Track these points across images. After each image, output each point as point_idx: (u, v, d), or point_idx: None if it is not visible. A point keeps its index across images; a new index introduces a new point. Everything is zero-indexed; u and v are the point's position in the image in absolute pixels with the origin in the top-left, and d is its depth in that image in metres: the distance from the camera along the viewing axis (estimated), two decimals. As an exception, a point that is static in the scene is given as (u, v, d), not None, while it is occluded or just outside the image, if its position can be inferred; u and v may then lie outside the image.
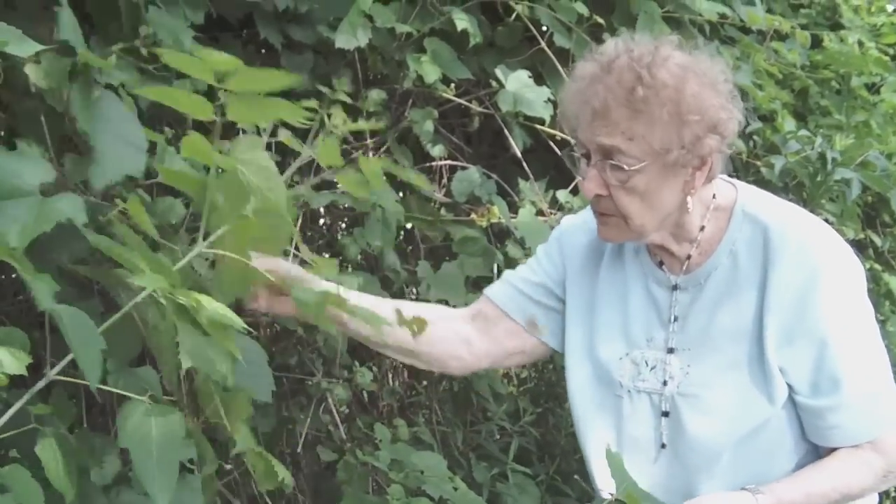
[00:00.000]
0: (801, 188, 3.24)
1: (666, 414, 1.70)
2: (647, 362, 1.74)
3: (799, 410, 1.66)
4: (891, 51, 4.15)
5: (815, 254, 1.62)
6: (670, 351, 1.72)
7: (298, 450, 2.49)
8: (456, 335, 1.84)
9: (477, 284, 2.66)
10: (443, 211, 2.65)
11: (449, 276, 2.48)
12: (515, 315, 1.86)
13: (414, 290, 2.54)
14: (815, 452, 1.70)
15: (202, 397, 1.48)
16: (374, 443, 2.41)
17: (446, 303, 2.51)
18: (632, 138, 1.54)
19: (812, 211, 3.30)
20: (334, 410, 2.50)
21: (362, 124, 1.73)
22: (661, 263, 1.75)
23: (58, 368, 1.27)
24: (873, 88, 3.88)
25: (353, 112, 2.58)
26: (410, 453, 2.32)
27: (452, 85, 2.60)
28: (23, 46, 1.27)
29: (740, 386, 1.64)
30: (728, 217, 1.69)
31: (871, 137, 3.45)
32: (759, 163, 3.16)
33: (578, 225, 1.88)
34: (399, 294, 2.70)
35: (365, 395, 2.82)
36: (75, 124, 1.45)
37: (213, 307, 1.25)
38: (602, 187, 1.59)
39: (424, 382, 2.86)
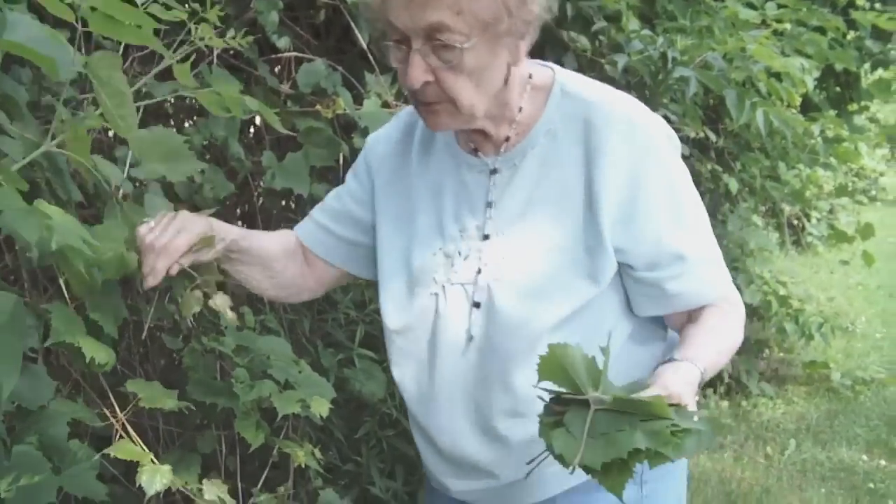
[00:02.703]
0: (643, 86, 3.35)
1: (477, 305, 1.64)
2: (460, 252, 1.67)
3: (635, 284, 1.64)
4: (735, -43, 4.26)
5: (641, 130, 1.60)
6: (486, 238, 1.66)
7: (143, 336, 2.48)
8: (301, 273, 1.90)
9: (322, 175, 2.69)
10: (289, 103, 2.65)
11: (294, 166, 2.49)
12: (325, 256, 1.88)
13: (259, 182, 2.54)
14: (639, 327, 1.69)
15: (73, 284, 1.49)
16: (220, 330, 2.43)
17: (291, 192, 2.54)
18: (459, 12, 1.45)
19: (654, 109, 3.44)
20: (180, 300, 2.48)
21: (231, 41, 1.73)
22: (475, 150, 1.70)
23: None
24: (717, -6, 4.00)
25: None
26: (256, 339, 2.35)
27: (297, -26, 2.59)
28: None
29: (561, 267, 1.61)
30: (546, 97, 1.66)
31: (711, 40, 3.57)
32: (603, 60, 3.24)
33: (380, 137, 1.85)
34: (244, 184, 2.71)
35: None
36: None
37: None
38: (428, 73, 1.51)
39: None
